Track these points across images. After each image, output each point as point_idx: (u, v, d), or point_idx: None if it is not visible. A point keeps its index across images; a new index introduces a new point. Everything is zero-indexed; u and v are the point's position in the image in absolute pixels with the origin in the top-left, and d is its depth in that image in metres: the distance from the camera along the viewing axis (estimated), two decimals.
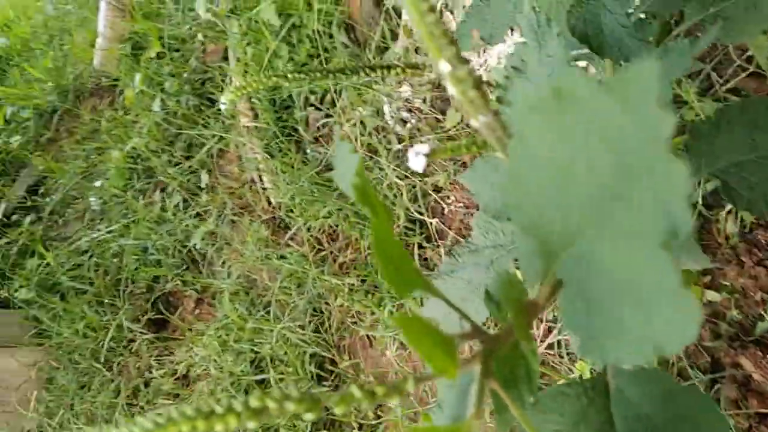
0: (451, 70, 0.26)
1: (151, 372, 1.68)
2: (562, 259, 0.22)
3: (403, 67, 0.58)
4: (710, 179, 0.91)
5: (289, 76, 0.52)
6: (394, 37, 1.56)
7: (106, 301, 1.84)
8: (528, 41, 0.43)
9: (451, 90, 0.26)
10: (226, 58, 1.93)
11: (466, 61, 0.26)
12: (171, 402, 1.60)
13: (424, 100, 1.48)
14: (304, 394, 0.24)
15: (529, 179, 0.22)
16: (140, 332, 1.74)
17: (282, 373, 1.45)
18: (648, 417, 0.28)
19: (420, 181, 1.44)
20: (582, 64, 0.60)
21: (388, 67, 0.57)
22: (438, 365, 0.24)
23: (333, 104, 1.64)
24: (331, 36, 1.65)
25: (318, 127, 1.66)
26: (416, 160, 0.43)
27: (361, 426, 1.34)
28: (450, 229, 1.41)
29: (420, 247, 1.43)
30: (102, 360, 1.75)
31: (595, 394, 0.30)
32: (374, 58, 1.57)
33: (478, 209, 1.53)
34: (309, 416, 0.24)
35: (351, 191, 0.28)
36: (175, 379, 1.64)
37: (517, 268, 0.55)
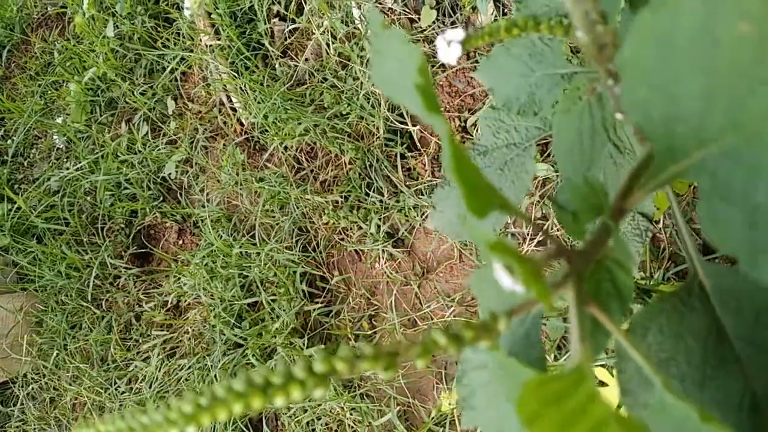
0: None
1: (141, 306, 1.67)
2: (700, 156, 0.18)
3: None
4: None
5: None
6: None
7: (85, 239, 1.79)
8: None
9: None
10: None
11: None
12: (165, 333, 1.60)
13: (396, 0, 1.39)
14: (378, 351, 0.20)
15: (665, 67, 0.17)
16: (125, 268, 1.71)
17: (273, 294, 1.45)
18: (766, 313, 0.24)
19: None
20: None
21: None
22: (536, 289, 0.20)
23: (299, 12, 1.54)
24: None
25: (285, 39, 1.57)
26: (448, 51, 0.33)
27: (357, 337, 1.35)
28: (432, 135, 1.37)
29: (402, 157, 1.39)
30: (89, 298, 1.72)
31: (692, 300, 0.27)
32: None
33: (470, 111, 1.46)
34: (387, 375, 0.20)
35: (406, 95, 0.22)
36: (167, 311, 1.63)
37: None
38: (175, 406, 0.18)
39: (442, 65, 1.35)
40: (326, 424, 1.32)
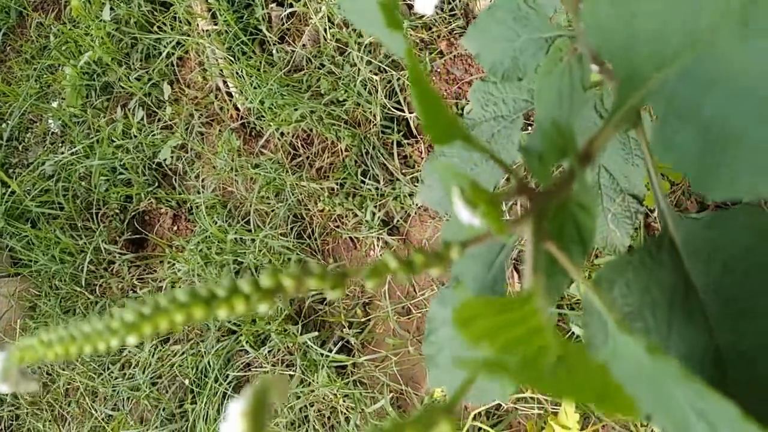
0: None
1: (135, 291, 1.66)
2: (659, 79, 0.18)
3: None
4: None
5: None
6: None
7: (80, 224, 1.78)
8: None
9: None
10: None
11: None
12: None
13: None
14: (324, 269, 0.20)
15: None
16: (119, 253, 1.70)
17: None
18: (735, 262, 0.24)
19: (396, 74, 1.36)
20: None
21: None
22: (491, 220, 0.20)
23: None
24: None
25: (282, 24, 1.55)
26: (424, 2, 0.33)
27: (350, 324, 1.34)
28: None
29: (398, 144, 1.38)
30: (83, 283, 1.72)
31: (661, 254, 0.26)
32: None
33: (467, 99, 1.46)
34: (333, 294, 0.20)
35: (372, 21, 0.22)
36: None
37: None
38: (117, 315, 0.17)
39: (441, 52, 1.34)
40: (319, 411, 1.32)
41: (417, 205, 1.32)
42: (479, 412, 1.13)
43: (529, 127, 1.14)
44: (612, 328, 0.19)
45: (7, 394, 1.77)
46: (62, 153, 1.86)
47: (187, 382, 1.49)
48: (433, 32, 1.34)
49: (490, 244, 0.26)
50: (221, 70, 1.62)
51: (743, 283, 0.23)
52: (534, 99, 0.33)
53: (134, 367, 1.57)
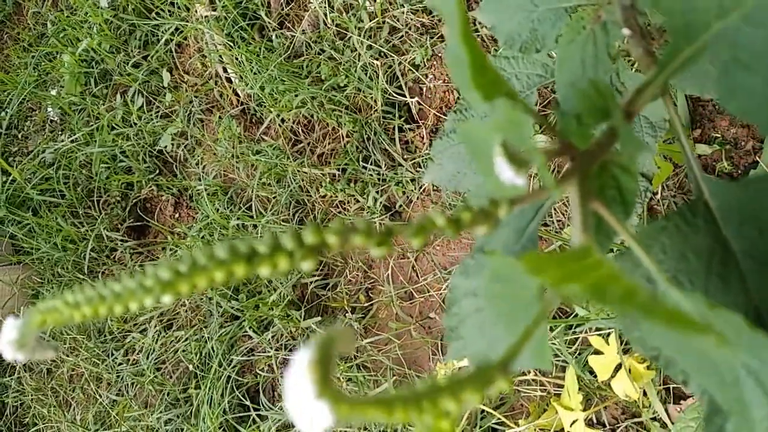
0: None
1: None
2: (720, 27, 0.18)
3: None
4: None
5: None
6: None
7: (81, 212, 1.78)
8: None
9: None
10: None
11: None
12: (162, 305, 1.60)
13: None
14: (370, 226, 0.19)
15: None
16: (121, 240, 1.70)
17: None
18: None
19: (397, 59, 1.36)
20: None
21: None
22: (545, 174, 0.20)
23: None
24: None
25: (282, 9, 1.54)
26: None
27: (353, 309, 1.35)
28: (431, 108, 1.36)
29: (400, 130, 1.38)
30: (85, 271, 1.72)
31: (697, 219, 0.26)
32: None
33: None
34: (378, 252, 0.19)
35: None
36: None
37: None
38: (151, 273, 0.17)
39: (442, 36, 1.33)
40: None
41: (419, 189, 1.32)
42: None
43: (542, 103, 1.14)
44: (662, 287, 0.19)
45: (11, 380, 1.79)
46: (62, 141, 1.86)
47: (191, 367, 1.50)
48: (434, 16, 1.33)
49: (523, 210, 0.26)
50: (221, 56, 1.61)
51: None
52: (556, 68, 0.33)
53: (138, 353, 1.58)
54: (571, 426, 0.95)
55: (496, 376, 0.16)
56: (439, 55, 1.33)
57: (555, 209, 1.14)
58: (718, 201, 0.26)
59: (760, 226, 0.24)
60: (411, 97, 1.37)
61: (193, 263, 0.17)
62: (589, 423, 0.99)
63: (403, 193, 1.35)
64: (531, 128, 0.19)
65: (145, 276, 0.17)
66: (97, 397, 1.63)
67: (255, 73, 1.50)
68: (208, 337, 1.48)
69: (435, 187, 1.32)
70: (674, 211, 0.26)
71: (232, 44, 1.57)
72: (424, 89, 1.37)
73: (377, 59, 1.38)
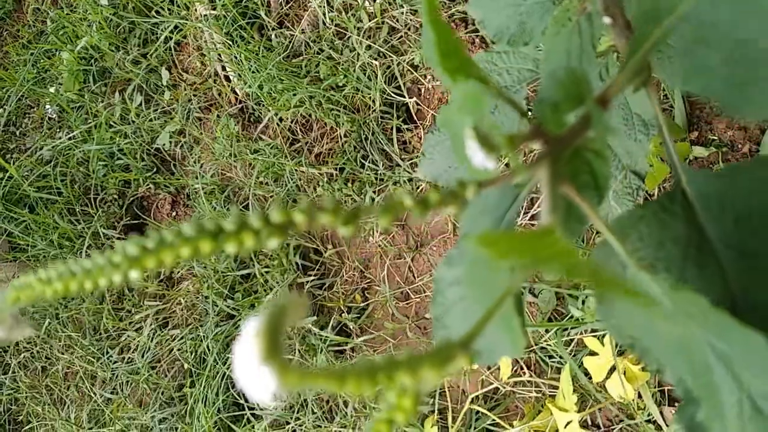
0: None
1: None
2: (685, 8, 0.18)
3: None
4: None
5: None
6: None
7: (78, 210, 1.78)
8: None
9: None
10: None
11: None
12: (158, 304, 1.60)
13: None
14: (338, 205, 0.20)
15: None
16: (118, 238, 1.70)
17: (267, 267, 1.44)
18: (748, 214, 0.24)
19: (396, 59, 1.36)
20: None
21: None
22: (511, 157, 0.20)
23: None
24: None
25: (281, 8, 1.55)
26: None
27: (349, 309, 1.35)
28: (429, 108, 1.36)
29: (398, 130, 1.38)
30: None
31: (674, 206, 0.26)
32: None
33: None
34: (345, 231, 0.19)
35: None
36: (159, 281, 1.63)
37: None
38: (119, 248, 0.17)
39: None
40: (317, 394, 1.33)
41: (417, 189, 1.32)
42: (477, 396, 1.14)
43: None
44: (632, 273, 0.19)
45: (5, 378, 1.78)
46: (60, 138, 1.86)
47: (186, 365, 1.50)
48: None
49: (501, 198, 0.26)
50: (220, 55, 1.61)
51: (756, 236, 0.23)
52: (542, 61, 0.33)
53: (133, 351, 1.58)
54: (565, 427, 0.95)
55: (456, 354, 0.16)
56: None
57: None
58: (696, 189, 0.26)
59: (736, 215, 0.24)
60: (409, 98, 1.37)
61: (160, 240, 0.17)
62: (583, 424, 0.99)
63: None
64: (488, 102, 0.19)
65: (114, 252, 0.17)
66: (92, 395, 1.62)
67: (254, 72, 1.50)
68: (204, 336, 1.47)
69: (432, 187, 1.32)
70: (653, 201, 0.26)
71: (231, 43, 1.57)
72: (423, 90, 1.37)
73: (376, 59, 1.38)
